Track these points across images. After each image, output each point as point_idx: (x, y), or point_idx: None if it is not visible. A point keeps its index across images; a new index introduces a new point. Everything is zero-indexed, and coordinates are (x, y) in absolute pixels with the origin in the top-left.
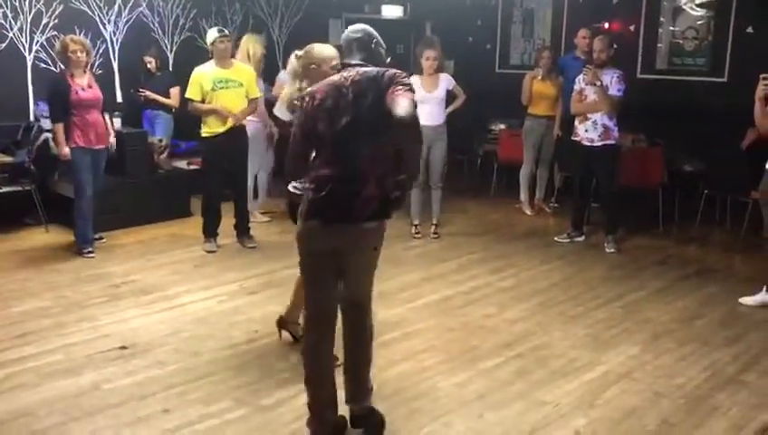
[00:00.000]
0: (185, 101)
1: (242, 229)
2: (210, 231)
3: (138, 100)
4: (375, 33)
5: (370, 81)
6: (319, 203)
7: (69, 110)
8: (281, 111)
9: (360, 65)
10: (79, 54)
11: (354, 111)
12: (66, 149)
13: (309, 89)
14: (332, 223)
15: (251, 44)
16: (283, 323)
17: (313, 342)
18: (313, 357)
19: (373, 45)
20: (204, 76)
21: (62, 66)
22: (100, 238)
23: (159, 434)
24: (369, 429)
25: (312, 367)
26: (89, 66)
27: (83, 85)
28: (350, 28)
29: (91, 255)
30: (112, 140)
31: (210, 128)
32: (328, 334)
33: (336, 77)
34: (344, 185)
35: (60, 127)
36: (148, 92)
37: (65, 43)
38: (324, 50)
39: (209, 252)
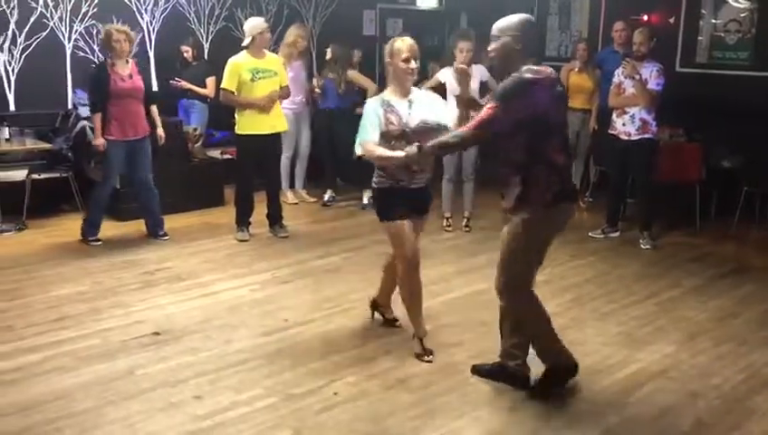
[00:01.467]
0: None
1: (274, 219)
2: (243, 220)
3: (174, 89)
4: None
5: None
6: (564, 187)
7: (107, 100)
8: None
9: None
10: (123, 43)
11: (565, 102)
12: (101, 140)
13: (526, 76)
14: (574, 202)
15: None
16: (375, 304)
17: (534, 306)
18: (537, 315)
19: None
20: (241, 66)
21: (103, 55)
22: (165, 235)
23: (191, 420)
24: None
25: (539, 320)
26: (131, 55)
27: (124, 75)
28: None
29: (98, 243)
30: (160, 132)
31: (244, 129)
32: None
33: (544, 69)
34: (571, 169)
35: (98, 117)
36: (183, 82)
37: (109, 32)
38: (395, 44)
39: (242, 241)
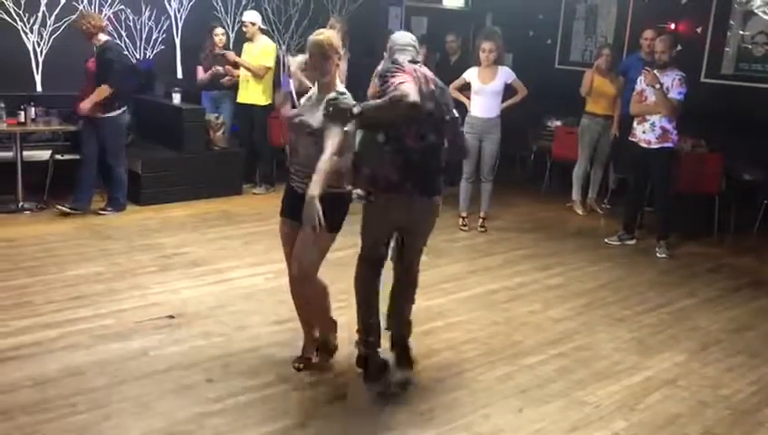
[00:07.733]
0: None
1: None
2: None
3: (218, 61)
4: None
5: None
6: None
7: None
8: None
9: None
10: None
11: None
12: None
13: None
14: None
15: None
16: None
17: None
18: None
19: None
20: None
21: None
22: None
23: (202, 402)
24: None
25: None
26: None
27: (89, 57)
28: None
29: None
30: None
31: None
32: None
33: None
34: None
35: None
36: (231, 54)
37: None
38: None
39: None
